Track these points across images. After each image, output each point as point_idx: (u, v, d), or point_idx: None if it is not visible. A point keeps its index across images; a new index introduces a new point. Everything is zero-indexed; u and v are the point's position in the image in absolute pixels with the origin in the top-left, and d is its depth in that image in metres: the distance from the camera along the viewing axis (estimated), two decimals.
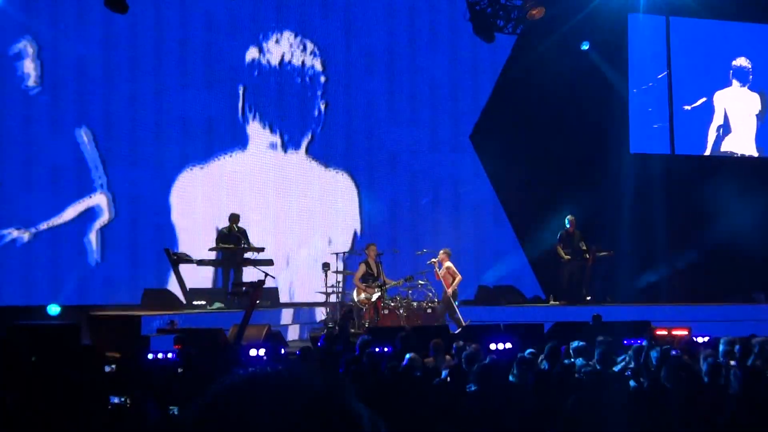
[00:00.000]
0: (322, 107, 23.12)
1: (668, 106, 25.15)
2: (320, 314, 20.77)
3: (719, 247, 23.74)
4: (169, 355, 12.70)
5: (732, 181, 24.45)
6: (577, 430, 8.81)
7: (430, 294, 20.21)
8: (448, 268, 19.63)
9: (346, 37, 23.36)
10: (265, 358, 12.67)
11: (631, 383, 10.29)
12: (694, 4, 24.32)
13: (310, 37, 23.10)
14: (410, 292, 20.04)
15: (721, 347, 12.55)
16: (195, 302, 19.72)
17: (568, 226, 21.96)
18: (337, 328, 17.96)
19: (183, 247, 21.03)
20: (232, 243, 19.97)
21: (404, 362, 10.97)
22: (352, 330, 18.56)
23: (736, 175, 24.70)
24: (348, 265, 20.89)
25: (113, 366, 11.50)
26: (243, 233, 20.24)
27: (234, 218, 20.32)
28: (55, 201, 20.91)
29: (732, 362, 11.66)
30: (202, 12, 22.19)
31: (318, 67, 23.12)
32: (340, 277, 20.35)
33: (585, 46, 22.46)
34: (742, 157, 25.41)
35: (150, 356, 12.76)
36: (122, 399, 8.98)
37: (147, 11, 21.50)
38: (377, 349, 13.54)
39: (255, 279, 16.45)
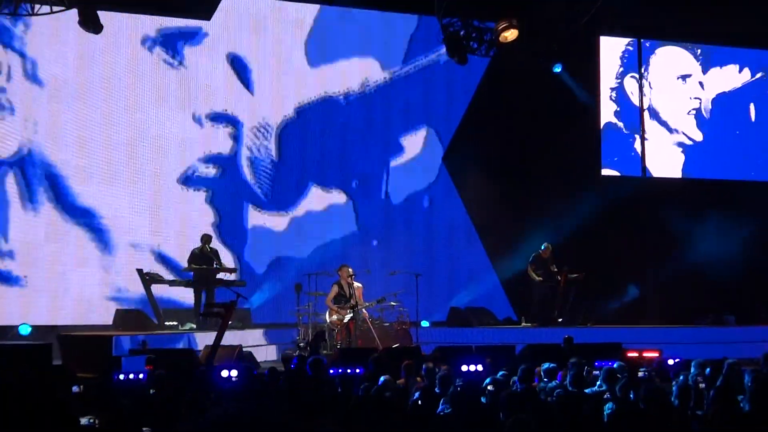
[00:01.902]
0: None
1: (640, 128, 25.29)
2: (293, 335, 20.72)
3: (690, 270, 23.89)
4: (141, 376, 12.66)
5: (703, 203, 24.60)
6: None
7: (402, 315, 20.21)
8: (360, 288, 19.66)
9: (320, 57, 23.38)
10: (235, 379, 12.63)
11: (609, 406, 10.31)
12: (665, 26, 24.56)
13: (285, 56, 23.11)
14: (382, 313, 20.04)
15: (692, 370, 12.60)
16: (167, 323, 19.68)
17: (542, 249, 22.02)
18: (308, 348, 17.93)
19: (155, 268, 20.97)
20: (205, 263, 19.93)
21: (378, 384, 10.97)
22: (324, 351, 18.53)
23: (706, 197, 24.86)
24: (320, 286, 20.84)
25: (81, 386, 11.45)
26: (215, 253, 20.21)
27: (206, 238, 20.30)
28: (30, 218, 20.82)
29: (701, 385, 11.70)
30: (176, 32, 22.20)
31: (291, 87, 23.12)
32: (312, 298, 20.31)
33: (557, 69, 22.55)
34: (713, 180, 25.56)
35: (121, 377, 12.72)
36: (91, 420, 8.93)
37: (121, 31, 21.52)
38: (349, 371, 13.55)
39: (227, 300, 16.43)
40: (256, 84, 22.88)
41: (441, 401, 10.37)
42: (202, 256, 20.01)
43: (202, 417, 2.53)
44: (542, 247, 22.04)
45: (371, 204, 23.58)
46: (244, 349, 16.89)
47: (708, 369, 12.58)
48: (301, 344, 18.11)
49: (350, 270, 19.80)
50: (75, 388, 11.43)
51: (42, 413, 8.65)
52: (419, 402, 10.91)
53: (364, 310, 19.43)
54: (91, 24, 18.74)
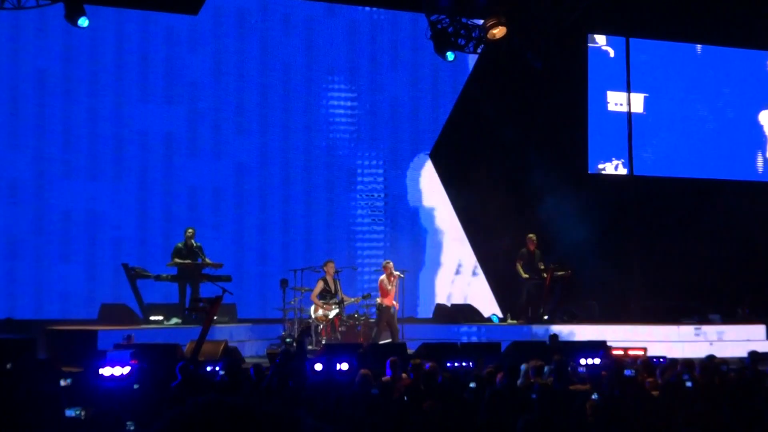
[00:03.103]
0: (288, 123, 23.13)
1: (627, 126, 25.33)
2: (278, 330, 20.71)
3: (676, 269, 23.94)
4: (126, 370, 12.64)
5: (688, 202, 24.67)
6: None
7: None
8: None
9: (307, 53, 23.37)
10: (221, 373, 12.63)
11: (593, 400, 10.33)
12: (653, 25, 24.63)
13: (272, 54, 23.09)
14: (368, 309, 20.05)
15: (678, 368, 12.65)
16: (152, 317, 19.64)
17: (527, 244, 22.04)
18: (294, 344, 17.87)
19: (141, 262, 20.94)
20: (189, 258, 19.89)
21: (357, 379, 10.98)
22: (310, 347, 18.54)
23: (692, 196, 24.93)
24: (306, 281, 20.82)
25: (68, 380, 11.44)
26: (200, 248, 20.17)
27: (189, 233, 20.22)
28: (14, 213, 20.80)
29: (688, 383, 11.74)
30: (163, 27, 22.17)
31: (278, 83, 23.11)
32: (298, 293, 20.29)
33: (537, 65, 22.58)
34: (699, 179, 25.63)
35: (106, 371, 12.70)
36: (77, 412, 8.93)
37: (108, 24, 21.49)
38: (335, 366, 13.55)
39: (212, 295, 16.41)
40: (244, 78, 22.84)
41: (426, 397, 10.38)
42: (187, 251, 19.96)
43: (178, 409, 2.52)
44: (527, 241, 21.99)
45: (357, 199, 23.55)
46: (229, 344, 16.86)
47: (692, 367, 12.64)
48: (288, 339, 18.05)
49: (334, 265, 19.84)
50: (63, 382, 11.40)
51: (27, 406, 8.64)
52: (404, 398, 10.92)
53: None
54: (75, 19, 18.70)
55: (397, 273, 19.64)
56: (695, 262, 24.04)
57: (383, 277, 19.61)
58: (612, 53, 25.45)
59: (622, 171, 25.32)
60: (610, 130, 25.33)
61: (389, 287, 19.49)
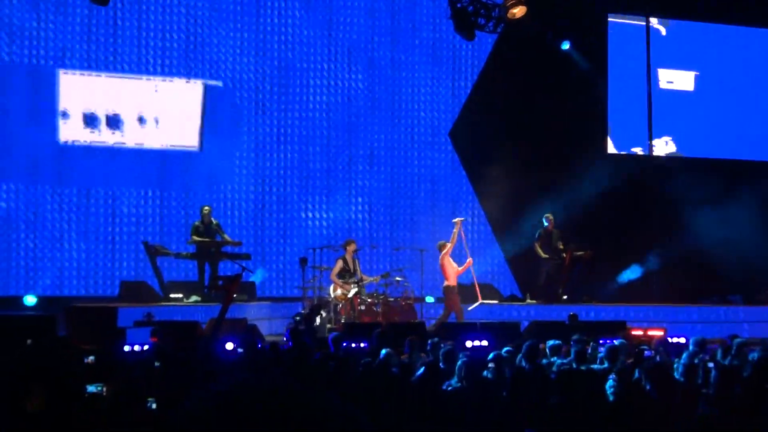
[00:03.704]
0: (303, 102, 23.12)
1: (647, 106, 25.23)
2: (298, 309, 20.76)
3: (696, 249, 23.86)
4: (145, 348, 12.70)
5: (710, 183, 24.55)
6: (559, 428, 8.85)
7: (407, 290, 20.24)
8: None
9: (327, 32, 23.33)
10: (240, 351, 12.66)
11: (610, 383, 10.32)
12: (674, 4, 24.53)
13: (291, 32, 23.05)
14: (387, 288, 20.05)
15: (690, 347, 12.63)
16: (172, 295, 19.70)
17: (546, 224, 22.01)
18: (303, 322, 17.76)
19: (160, 239, 21.00)
20: (207, 236, 19.93)
21: (380, 358, 10.99)
22: (329, 325, 18.59)
23: (713, 177, 24.81)
24: (325, 260, 20.86)
25: (91, 357, 11.48)
26: (218, 226, 20.20)
27: (206, 211, 20.21)
28: (34, 190, 20.85)
29: (710, 364, 11.71)
30: (183, 5, 22.14)
31: (299, 61, 23.07)
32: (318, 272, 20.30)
33: (565, 46, 22.47)
34: (719, 159, 25.52)
35: (126, 348, 12.76)
36: (99, 387, 8.97)
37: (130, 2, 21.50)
38: (353, 345, 13.59)
39: (232, 273, 16.44)
40: (266, 56, 22.83)
41: (445, 376, 10.38)
42: (204, 229, 19.99)
43: (206, 389, 2.53)
44: (544, 221, 21.99)
45: (377, 179, 23.53)
46: (249, 323, 16.90)
47: (714, 348, 12.62)
48: (297, 317, 17.98)
49: (355, 245, 19.89)
50: (86, 359, 11.46)
51: (47, 382, 8.67)
52: (423, 377, 10.92)
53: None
54: None
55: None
56: (717, 243, 23.93)
57: (445, 257, 19.69)
58: (663, 31, 25.31)
59: (672, 148, 25.23)
60: (662, 107, 25.21)
61: (453, 267, 19.61)
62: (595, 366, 11.70)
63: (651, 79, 25.28)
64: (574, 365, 11.27)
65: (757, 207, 24.51)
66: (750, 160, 25.78)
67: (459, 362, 10.26)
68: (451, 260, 19.69)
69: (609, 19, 24.82)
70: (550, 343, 12.41)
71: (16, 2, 20.75)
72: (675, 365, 11.08)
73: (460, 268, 19.73)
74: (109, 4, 19.25)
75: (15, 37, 20.83)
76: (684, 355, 11.79)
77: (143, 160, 21.76)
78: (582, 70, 22.82)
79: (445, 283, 19.61)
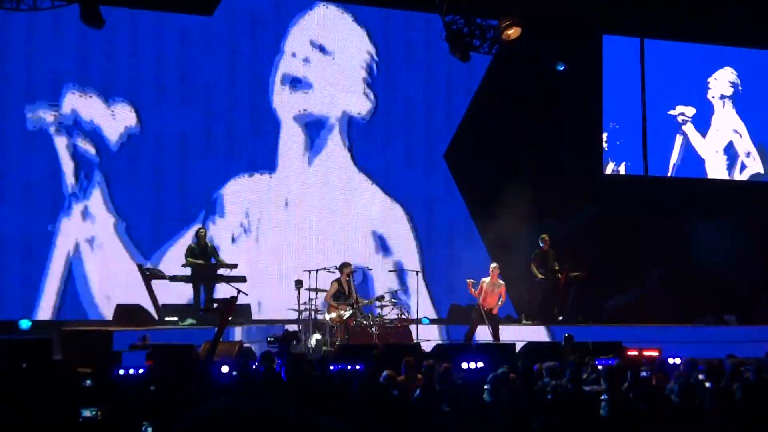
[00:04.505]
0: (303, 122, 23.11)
1: (641, 128, 25.30)
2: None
3: (691, 269, 23.92)
4: (141, 371, 12.68)
5: (703, 203, 24.63)
6: None
7: (402, 312, 20.22)
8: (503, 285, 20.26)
9: (321, 53, 23.35)
10: (234, 374, 12.65)
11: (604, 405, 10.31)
12: (668, 26, 24.60)
13: (283, 53, 23.07)
14: (382, 310, 20.04)
15: (691, 368, 12.63)
16: (167, 318, 19.66)
17: (541, 245, 22.09)
18: (277, 345, 17.38)
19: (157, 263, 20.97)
20: (203, 258, 19.93)
21: (381, 379, 10.98)
22: (324, 348, 18.57)
23: (706, 197, 24.89)
24: (321, 282, 20.86)
25: (88, 381, 11.47)
26: (213, 249, 20.21)
27: (201, 233, 20.25)
28: (28, 214, 20.81)
29: (707, 384, 11.72)
30: (177, 29, 22.16)
31: (293, 83, 23.09)
32: (313, 294, 20.27)
33: (560, 68, 22.48)
34: (713, 180, 25.60)
35: (121, 372, 12.74)
36: (93, 412, 8.95)
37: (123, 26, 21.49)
38: (348, 367, 13.57)
39: (228, 295, 16.40)
40: (259, 79, 22.84)
41: (441, 398, 10.38)
42: (200, 251, 20.00)
43: (197, 410, 2.53)
44: (540, 242, 22.10)
45: (372, 200, 23.52)
46: (244, 345, 16.87)
47: (709, 368, 12.62)
48: (270, 339, 17.72)
49: (351, 267, 19.91)
50: (85, 383, 11.44)
51: (42, 406, 8.66)
52: (420, 399, 10.92)
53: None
54: (93, 19, 18.73)
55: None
56: (712, 262, 23.98)
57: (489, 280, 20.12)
58: (627, 52, 25.44)
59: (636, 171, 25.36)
60: (624, 130, 25.33)
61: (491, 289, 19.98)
62: (591, 387, 11.69)
63: (645, 98, 25.35)
64: (570, 386, 11.26)
65: (752, 226, 24.56)
66: (742, 180, 25.87)
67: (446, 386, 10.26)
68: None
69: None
70: (546, 364, 12.40)
71: None
72: (670, 386, 11.09)
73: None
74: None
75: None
76: (682, 376, 11.79)
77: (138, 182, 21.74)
78: (559, 72, 22.64)
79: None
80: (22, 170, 20.85)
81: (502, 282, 20.18)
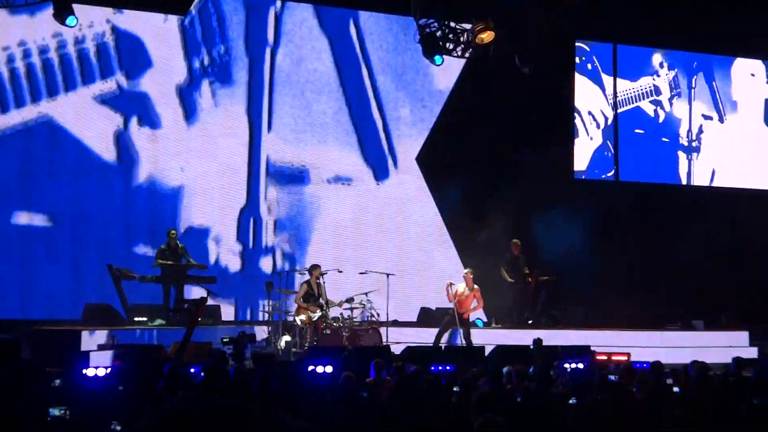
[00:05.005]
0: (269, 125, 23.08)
1: (613, 132, 25.42)
2: (263, 333, 20.70)
3: (659, 274, 24.02)
4: (109, 371, 12.62)
5: (673, 208, 24.77)
6: None
7: (372, 315, 20.22)
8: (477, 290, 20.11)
9: (295, 56, 23.33)
10: (202, 375, 12.62)
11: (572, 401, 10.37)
12: (641, 33, 24.75)
13: (258, 57, 23.05)
14: (352, 312, 20.03)
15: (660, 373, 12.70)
16: (136, 318, 19.61)
17: (511, 249, 22.15)
18: (233, 347, 17.11)
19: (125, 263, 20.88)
20: (174, 259, 19.90)
21: (340, 380, 10.98)
22: (294, 350, 18.55)
23: (676, 203, 25.04)
24: (291, 284, 20.87)
25: (58, 381, 11.43)
26: (184, 249, 20.18)
27: (172, 234, 20.24)
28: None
29: (675, 389, 11.79)
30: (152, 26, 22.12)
31: (266, 85, 23.06)
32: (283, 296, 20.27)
33: (525, 70, 22.48)
34: (681, 185, 25.77)
35: (89, 372, 12.68)
36: (62, 411, 8.93)
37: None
38: (317, 369, 13.56)
39: (197, 296, 16.38)
40: (231, 82, 22.81)
41: (410, 400, 10.39)
42: (170, 252, 19.97)
43: (158, 408, 2.54)
44: (511, 244, 22.16)
45: (344, 202, 23.53)
46: (213, 346, 16.82)
47: (675, 372, 12.70)
48: (225, 339, 17.47)
49: (321, 270, 19.90)
50: (55, 382, 11.42)
51: (10, 405, 8.63)
52: (388, 401, 10.92)
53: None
54: (63, 18, 18.71)
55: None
56: (679, 268, 24.14)
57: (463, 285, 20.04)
58: (599, 57, 25.59)
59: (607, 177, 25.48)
60: (594, 135, 25.45)
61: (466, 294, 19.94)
62: (559, 389, 11.73)
63: (616, 103, 25.49)
64: (538, 389, 11.29)
65: (719, 232, 24.72)
66: (714, 185, 26.06)
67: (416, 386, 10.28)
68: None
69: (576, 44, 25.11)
70: (515, 367, 12.43)
71: None
72: (636, 389, 11.14)
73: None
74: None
75: None
76: (649, 380, 11.84)
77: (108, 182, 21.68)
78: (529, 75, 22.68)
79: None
80: None
81: (476, 287, 20.20)
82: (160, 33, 22.21)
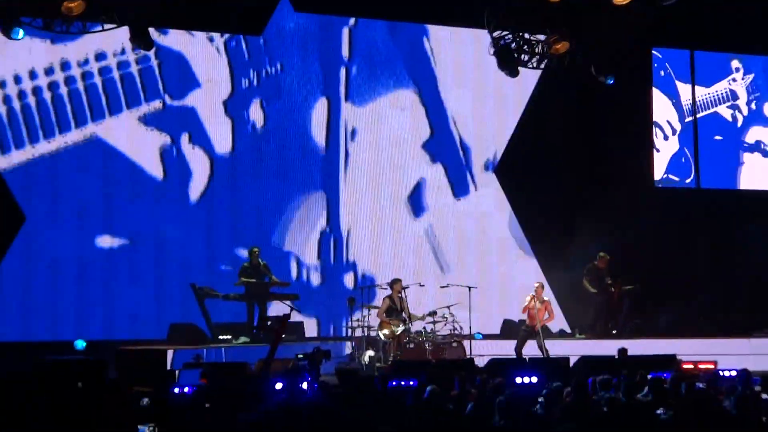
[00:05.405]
0: (350, 142, 23.11)
1: (693, 139, 25.17)
2: (346, 348, 20.76)
3: (746, 281, 23.74)
4: (195, 389, 12.75)
5: (756, 214, 24.46)
6: None
7: (455, 328, 20.20)
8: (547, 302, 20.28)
9: (370, 70, 23.38)
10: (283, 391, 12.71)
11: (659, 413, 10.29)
12: (717, 39, 24.52)
13: (334, 75, 23.13)
14: (435, 326, 20.02)
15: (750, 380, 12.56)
16: (221, 337, 19.77)
17: (597, 262, 22.00)
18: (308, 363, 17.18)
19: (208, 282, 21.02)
20: (256, 277, 20.04)
21: (425, 395, 10.97)
22: (378, 364, 18.59)
23: (760, 208, 24.72)
24: (373, 299, 20.91)
25: (146, 400, 11.58)
26: (266, 267, 20.30)
27: (254, 252, 20.36)
28: (81, 235, 20.94)
29: (764, 395, 11.65)
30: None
31: (343, 102, 23.12)
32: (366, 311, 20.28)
33: (610, 81, 22.36)
34: (761, 190, 25.43)
35: (177, 390, 12.82)
36: (151, 428, 9.06)
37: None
38: (402, 383, 13.60)
39: (281, 313, 16.48)
40: (307, 98, 22.92)
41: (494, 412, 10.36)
42: (252, 270, 20.11)
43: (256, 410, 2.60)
44: (598, 257, 22.03)
45: (424, 218, 23.51)
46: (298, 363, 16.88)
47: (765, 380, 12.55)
48: (300, 356, 17.48)
49: (402, 284, 19.95)
50: (143, 401, 11.56)
51: (99, 426, 8.75)
52: (473, 413, 10.90)
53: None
54: (141, 40, 18.93)
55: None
56: (764, 274, 23.83)
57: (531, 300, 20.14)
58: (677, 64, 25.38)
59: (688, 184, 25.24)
60: (674, 141, 25.23)
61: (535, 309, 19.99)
62: (645, 398, 11.65)
63: (696, 108, 25.25)
64: (624, 399, 11.21)
65: None
66: None
67: (499, 399, 10.25)
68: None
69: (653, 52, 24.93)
70: (600, 377, 12.35)
71: None
72: (726, 398, 11.01)
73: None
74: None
75: None
76: (738, 388, 11.70)
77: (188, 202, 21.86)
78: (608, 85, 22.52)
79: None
80: (75, 192, 20.96)
81: (546, 299, 20.14)
82: (208, 52, 22.29)
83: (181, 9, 20.46)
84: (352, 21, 23.33)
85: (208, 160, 21.94)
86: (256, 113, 22.40)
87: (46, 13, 18.10)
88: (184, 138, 21.80)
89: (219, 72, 22.19)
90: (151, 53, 20.81)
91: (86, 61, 21.05)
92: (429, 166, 23.64)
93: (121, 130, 21.34)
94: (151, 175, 21.50)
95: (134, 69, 21.38)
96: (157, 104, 21.57)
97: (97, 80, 21.14)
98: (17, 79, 20.59)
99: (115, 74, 21.26)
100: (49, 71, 20.83)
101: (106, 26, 18.95)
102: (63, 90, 20.90)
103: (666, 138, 25.11)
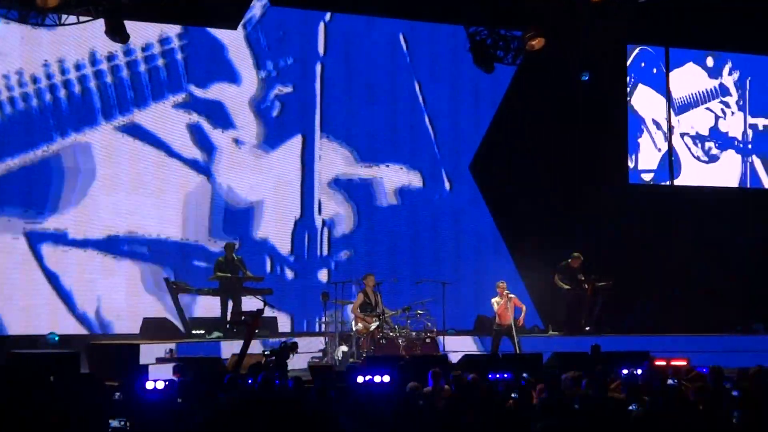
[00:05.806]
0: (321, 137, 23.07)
1: (668, 137, 25.22)
2: (319, 344, 20.72)
3: (719, 278, 23.81)
4: (168, 383, 12.70)
5: (730, 211, 24.54)
6: None
7: (429, 324, 20.18)
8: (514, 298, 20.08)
9: (346, 67, 23.35)
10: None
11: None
12: (693, 35, 24.54)
13: (310, 67, 23.10)
14: (409, 321, 20.01)
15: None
16: (194, 331, 19.73)
17: (570, 260, 21.99)
18: (274, 358, 17.10)
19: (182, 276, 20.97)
20: (231, 272, 19.98)
21: (407, 390, 10.98)
22: (351, 360, 18.58)
23: (734, 205, 24.80)
24: (347, 295, 20.88)
25: (118, 394, 11.53)
26: (241, 262, 20.25)
27: (230, 247, 20.33)
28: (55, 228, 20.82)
29: (734, 393, 11.68)
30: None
31: (317, 96, 23.08)
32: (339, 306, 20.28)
33: (585, 77, 22.42)
34: (739, 188, 25.50)
35: (149, 384, 12.76)
36: (122, 422, 9.02)
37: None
38: (374, 378, 13.57)
39: (254, 308, 16.44)
40: (282, 93, 22.88)
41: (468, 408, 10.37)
42: (228, 265, 20.06)
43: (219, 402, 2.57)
44: (572, 257, 22.03)
45: (398, 212, 23.51)
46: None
47: (737, 376, 12.59)
48: (266, 352, 17.35)
49: (374, 279, 19.94)
50: (115, 395, 11.52)
51: (71, 418, 8.71)
52: (447, 410, 10.91)
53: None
54: (117, 33, 18.88)
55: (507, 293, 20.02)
56: (739, 272, 23.93)
57: (497, 299, 19.98)
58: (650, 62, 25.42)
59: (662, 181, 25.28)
60: (649, 139, 25.28)
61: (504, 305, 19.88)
62: (617, 395, 11.68)
63: (670, 107, 25.30)
64: (596, 395, 11.24)
65: None
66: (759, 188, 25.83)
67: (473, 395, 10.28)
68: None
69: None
70: (572, 373, 12.37)
71: None
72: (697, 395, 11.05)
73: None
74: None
75: None
76: (710, 385, 11.76)
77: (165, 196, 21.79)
78: (584, 81, 22.56)
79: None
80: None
81: (512, 295, 20.06)
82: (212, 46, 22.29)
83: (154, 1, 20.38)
84: (328, 16, 23.28)
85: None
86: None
87: (22, 4, 18.06)
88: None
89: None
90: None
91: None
92: (404, 161, 23.60)
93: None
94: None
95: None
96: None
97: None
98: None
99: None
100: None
101: (82, 18, 18.90)
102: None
103: (641, 135, 25.15)
